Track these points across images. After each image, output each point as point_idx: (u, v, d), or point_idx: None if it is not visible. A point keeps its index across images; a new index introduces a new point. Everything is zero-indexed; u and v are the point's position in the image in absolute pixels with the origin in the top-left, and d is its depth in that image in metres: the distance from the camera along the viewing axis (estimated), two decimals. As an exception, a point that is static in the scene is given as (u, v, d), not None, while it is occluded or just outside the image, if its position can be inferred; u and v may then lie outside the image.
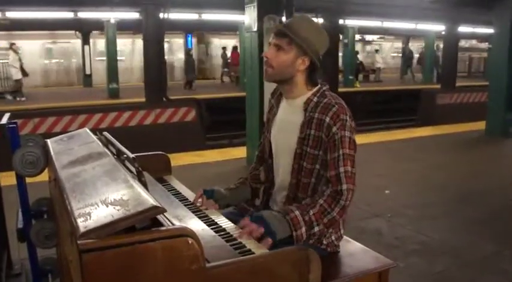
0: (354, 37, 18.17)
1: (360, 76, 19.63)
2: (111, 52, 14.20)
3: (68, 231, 1.30)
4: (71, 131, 2.34)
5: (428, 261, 3.13)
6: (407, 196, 4.60)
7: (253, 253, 1.39)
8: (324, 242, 1.73)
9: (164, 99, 10.51)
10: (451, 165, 5.96)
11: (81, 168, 1.60)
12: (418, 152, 6.77)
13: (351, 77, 17.37)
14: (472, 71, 25.06)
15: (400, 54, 24.48)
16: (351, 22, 16.20)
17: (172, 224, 1.27)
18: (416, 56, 23.64)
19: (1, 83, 14.96)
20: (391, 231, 3.67)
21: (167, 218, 1.30)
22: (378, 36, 25.80)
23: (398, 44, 26.91)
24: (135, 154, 1.55)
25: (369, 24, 16.81)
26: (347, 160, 1.62)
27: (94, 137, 2.03)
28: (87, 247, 1.05)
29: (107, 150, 1.76)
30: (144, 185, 1.37)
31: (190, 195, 1.94)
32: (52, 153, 1.92)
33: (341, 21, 14.18)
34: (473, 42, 26.93)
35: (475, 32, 18.81)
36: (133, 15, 11.50)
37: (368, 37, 25.92)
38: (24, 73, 13.45)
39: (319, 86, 1.75)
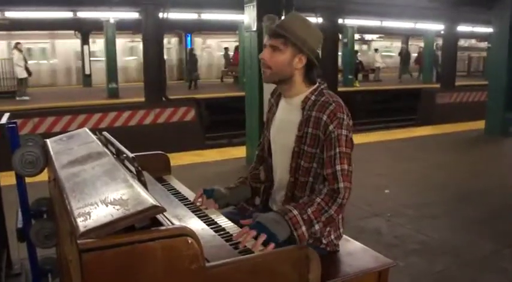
0: (354, 36, 18.18)
1: (360, 75, 19.63)
2: (110, 52, 14.20)
3: (68, 231, 1.30)
4: (70, 131, 2.34)
5: (428, 260, 3.13)
6: (407, 195, 4.60)
7: (253, 253, 1.39)
8: (324, 241, 1.73)
9: (163, 98, 10.52)
10: (450, 164, 5.96)
11: (80, 168, 1.60)
12: (418, 151, 6.77)
13: (350, 77, 17.38)
14: (472, 70, 25.07)
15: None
16: (350, 21, 16.20)
17: (172, 224, 1.27)
18: (414, 55, 23.65)
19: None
20: (391, 230, 3.67)
21: (167, 218, 1.29)
22: (377, 35, 25.82)
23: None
24: (135, 154, 1.55)
25: (368, 23, 16.81)
26: (344, 158, 1.62)
27: (93, 137, 2.03)
28: (86, 247, 1.05)
29: (106, 150, 1.76)
30: (144, 184, 1.37)
31: (189, 194, 1.94)
32: (52, 153, 1.92)
33: (340, 21, 14.17)
34: (473, 41, 26.96)
35: (474, 31, 18.82)
36: (132, 15, 11.51)
37: (367, 36, 25.93)
38: (29, 72, 13.56)
39: (317, 84, 1.76)
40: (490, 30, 9.66)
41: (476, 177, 5.31)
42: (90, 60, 17.90)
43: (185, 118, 9.92)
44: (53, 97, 13.51)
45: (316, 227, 1.57)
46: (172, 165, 2.30)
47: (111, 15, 12.91)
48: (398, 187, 4.86)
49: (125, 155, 1.59)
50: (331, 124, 1.63)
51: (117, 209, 1.15)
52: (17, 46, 13.61)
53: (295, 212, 1.55)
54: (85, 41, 17.72)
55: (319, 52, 1.75)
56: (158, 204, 1.16)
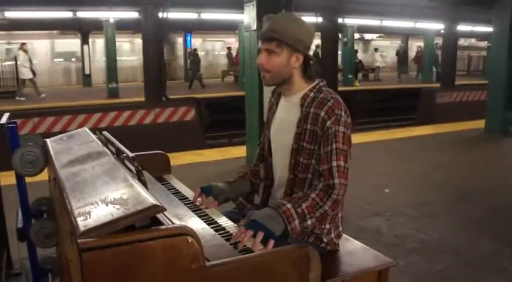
0: (353, 36, 18.17)
1: (359, 75, 19.62)
2: (110, 52, 14.19)
3: (68, 231, 1.30)
4: (70, 131, 2.34)
5: (428, 259, 3.13)
6: (407, 195, 4.60)
7: (253, 252, 1.39)
8: (324, 239, 1.73)
9: (163, 98, 10.51)
10: (450, 163, 5.96)
11: (80, 167, 1.60)
12: (418, 150, 6.77)
13: (350, 76, 17.37)
14: (471, 69, 25.08)
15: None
16: (350, 21, 16.19)
17: (172, 223, 1.27)
18: (412, 54, 23.62)
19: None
20: (391, 229, 3.67)
21: (167, 217, 1.30)
22: (377, 35, 25.80)
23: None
24: (135, 153, 1.55)
25: (368, 23, 16.80)
26: (340, 154, 1.62)
27: (93, 137, 2.03)
28: (87, 246, 1.05)
29: (106, 150, 1.76)
30: (144, 184, 1.37)
31: (189, 194, 1.94)
32: (52, 152, 1.92)
33: (340, 20, 14.16)
34: (473, 40, 26.94)
35: (474, 31, 18.80)
36: (132, 14, 11.50)
37: (367, 36, 25.91)
38: (33, 73, 13.59)
39: (316, 81, 1.76)
40: (490, 29, 9.66)
41: (476, 177, 5.31)
42: (90, 60, 17.91)
43: (185, 118, 9.92)
44: (53, 97, 13.50)
45: (309, 222, 1.57)
46: (172, 165, 2.30)
47: (111, 15, 12.90)
48: (398, 186, 4.86)
49: (125, 155, 1.59)
50: (329, 120, 1.63)
51: (117, 209, 1.15)
52: (22, 47, 13.61)
53: (289, 205, 1.56)
54: (85, 41, 17.70)
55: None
56: (158, 204, 1.16)
